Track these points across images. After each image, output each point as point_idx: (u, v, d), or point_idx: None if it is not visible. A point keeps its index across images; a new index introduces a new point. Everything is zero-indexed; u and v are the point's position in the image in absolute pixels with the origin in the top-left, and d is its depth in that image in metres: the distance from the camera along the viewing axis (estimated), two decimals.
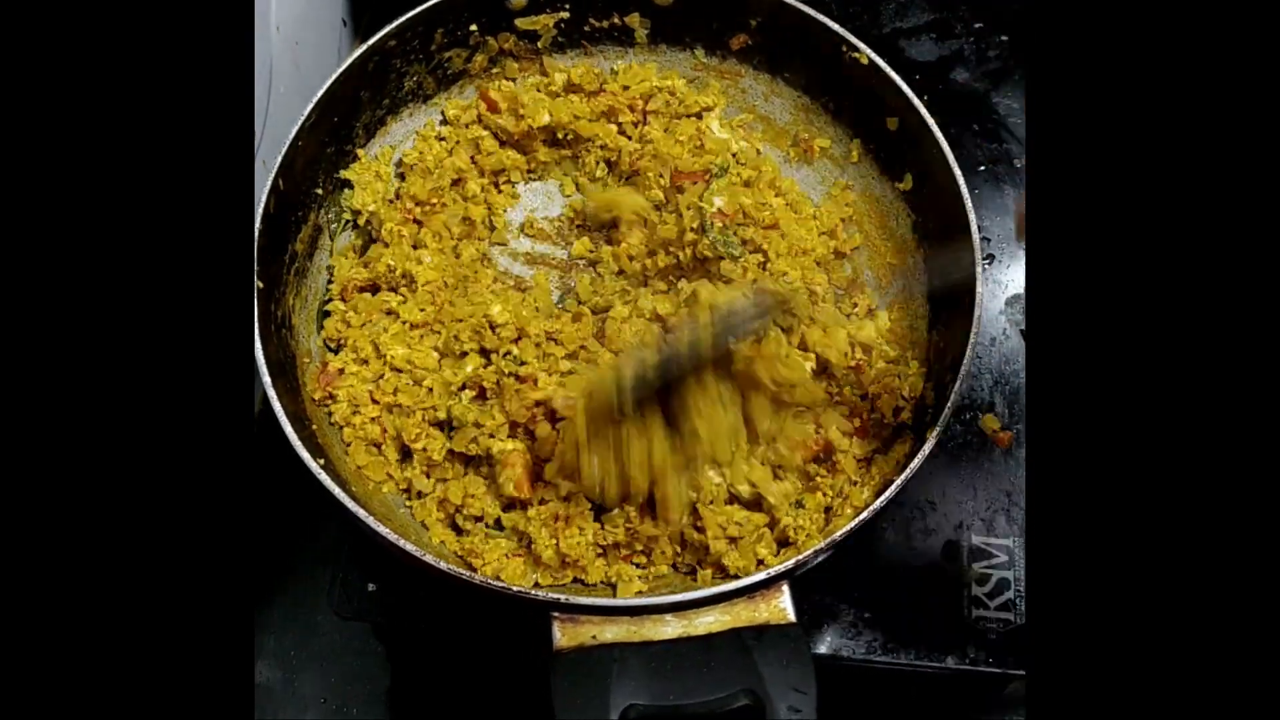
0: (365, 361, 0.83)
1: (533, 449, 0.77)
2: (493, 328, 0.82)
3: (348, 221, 0.91)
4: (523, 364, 0.80)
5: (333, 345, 0.86)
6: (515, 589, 0.66)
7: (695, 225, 0.86)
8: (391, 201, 0.91)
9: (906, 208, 0.90)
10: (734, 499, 0.79)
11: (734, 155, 0.94)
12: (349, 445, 0.81)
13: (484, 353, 0.83)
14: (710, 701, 0.63)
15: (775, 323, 0.77)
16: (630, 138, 0.95)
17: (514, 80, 0.97)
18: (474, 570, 0.75)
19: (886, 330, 0.87)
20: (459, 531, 0.80)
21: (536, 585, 0.76)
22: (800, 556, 0.68)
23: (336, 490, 0.68)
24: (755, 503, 0.79)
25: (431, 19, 0.89)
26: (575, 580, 0.77)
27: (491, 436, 0.78)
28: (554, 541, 0.75)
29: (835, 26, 0.87)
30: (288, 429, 0.70)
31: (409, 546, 0.67)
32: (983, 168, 1.02)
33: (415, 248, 0.89)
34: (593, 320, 0.85)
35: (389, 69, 0.90)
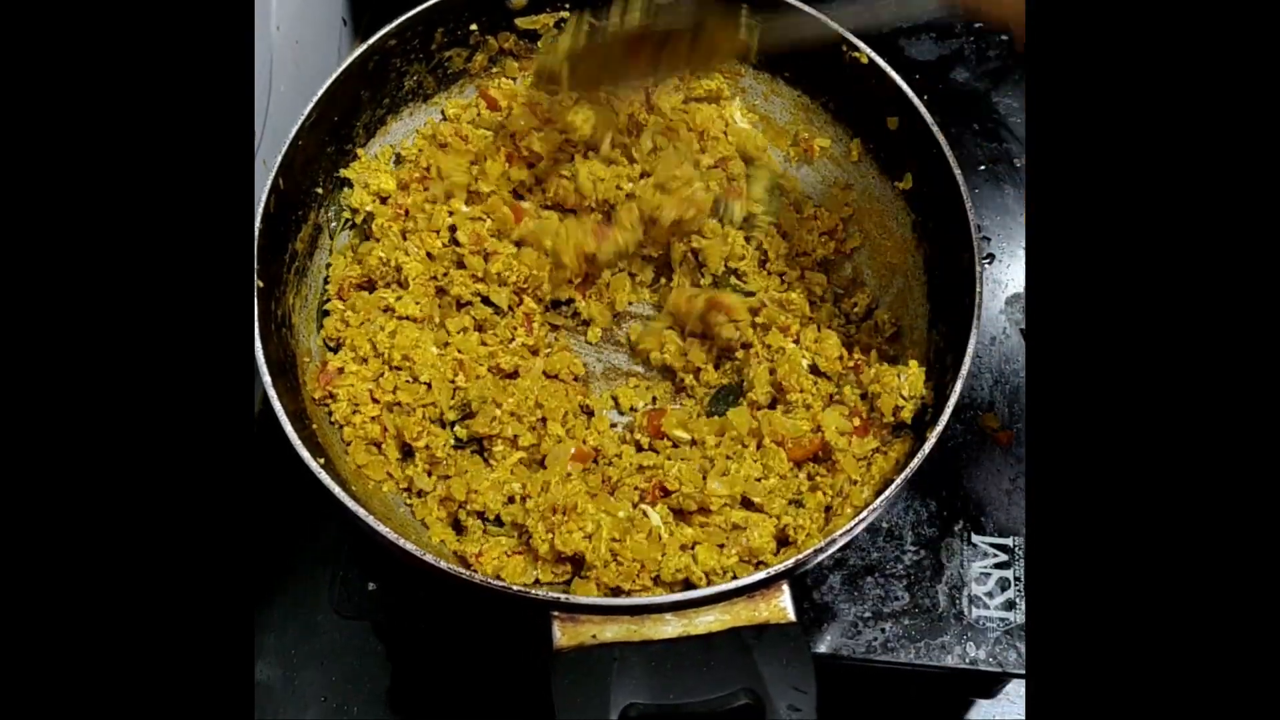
0: (364, 360, 0.84)
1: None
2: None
3: (347, 220, 0.91)
4: None
5: (332, 345, 0.86)
6: (515, 588, 0.66)
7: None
8: (384, 201, 0.91)
9: (906, 207, 0.90)
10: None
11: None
12: (349, 445, 0.81)
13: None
14: (710, 700, 0.63)
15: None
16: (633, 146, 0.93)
17: (514, 79, 0.97)
18: (473, 570, 0.75)
19: (888, 329, 0.87)
20: (460, 530, 0.80)
21: (537, 583, 0.76)
22: (800, 556, 0.68)
23: (336, 490, 0.68)
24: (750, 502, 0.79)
25: (431, 18, 0.89)
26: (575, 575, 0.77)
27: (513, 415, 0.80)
28: (550, 536, 0.75)
29: (834, 24, 0.87)
30: (288, 429, 0.70)
31: (409, 546, 0.67)
32: (983, 167, 1.02)
33: (405, 236, 0.89)
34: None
35: (389, 68, 0.90)
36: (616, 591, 0.74)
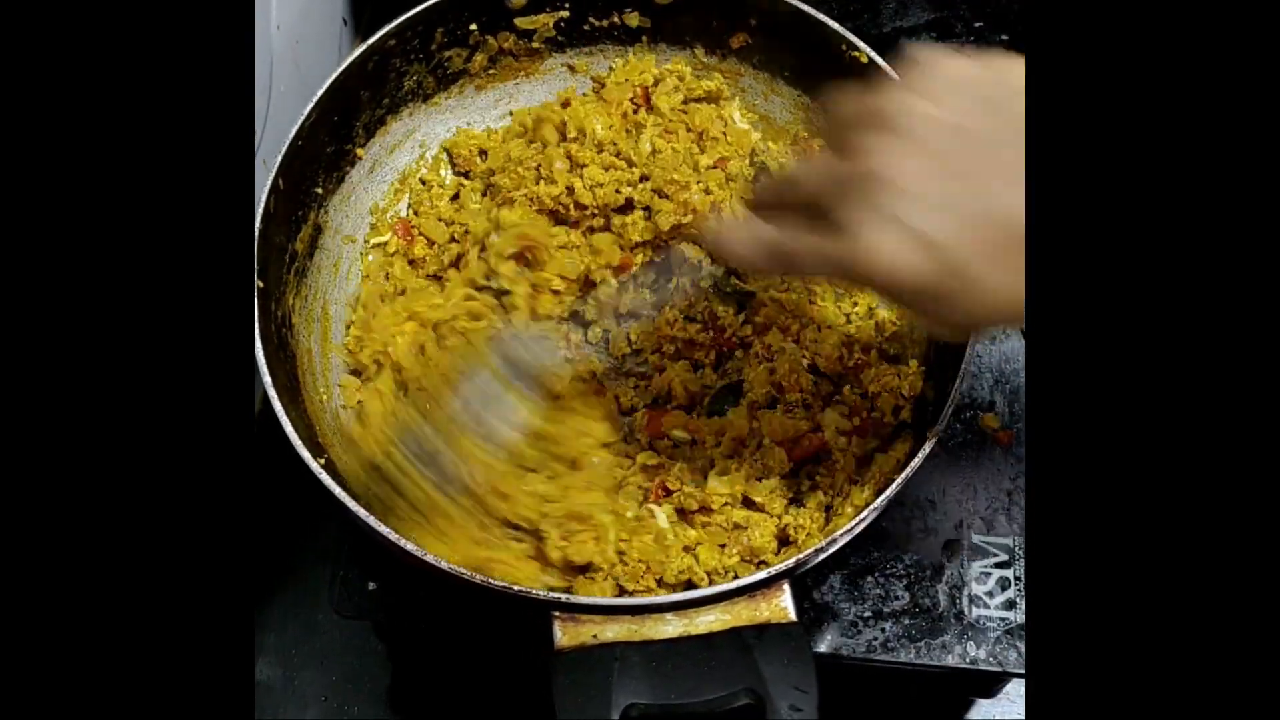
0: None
1: None
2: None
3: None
4: None
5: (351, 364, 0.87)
6: (516, 589, 0.66)
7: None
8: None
9: None
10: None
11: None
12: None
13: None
14: (711, 700, 0.63)
15: None
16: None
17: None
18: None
19: (889, 328, 0.87)
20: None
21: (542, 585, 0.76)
22: (800, 555, 0.68)
23: (337, 490, 0.68)
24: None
25: (431, 18, 0.89)
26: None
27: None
28: (565, 545, 0.75)
29: (835, 25, 0.87)
30: (288, 428, 0.70)
31: (410, 546, 0.67)
32: None
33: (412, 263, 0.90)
34: None
35: (389, 68, 0.90)
36: (620, 591, 0.74)
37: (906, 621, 0.82)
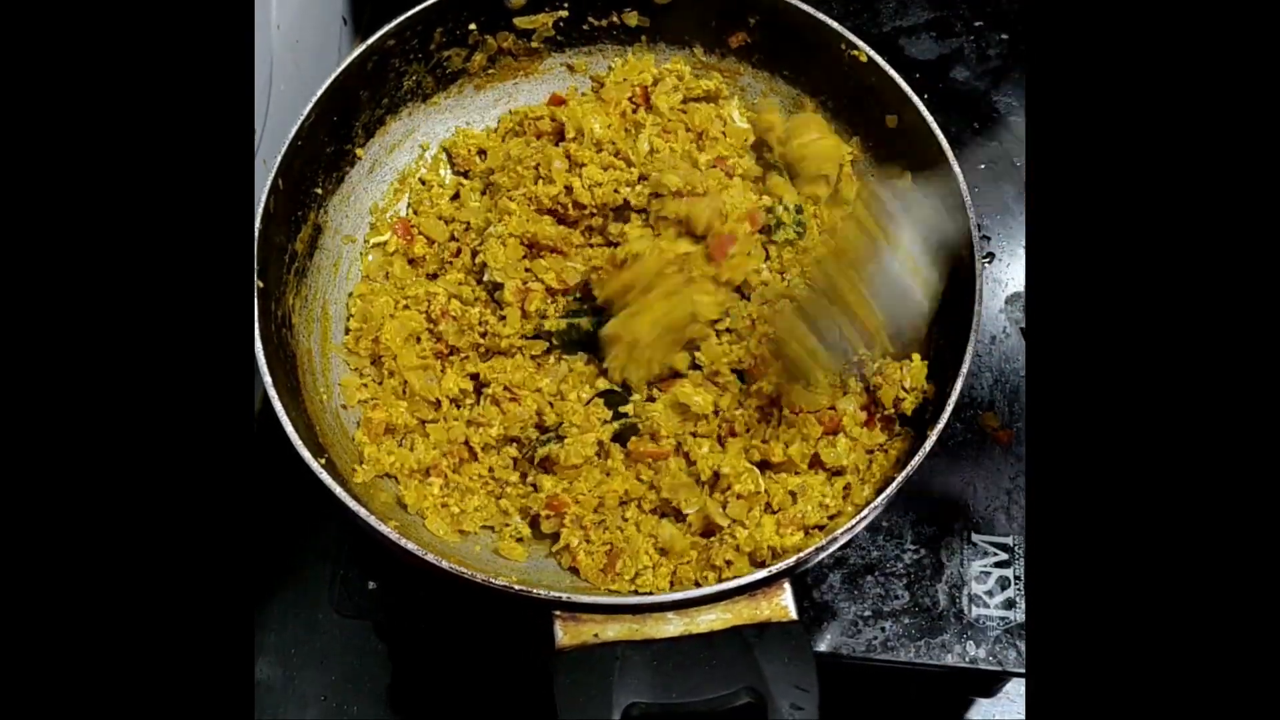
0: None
1: None
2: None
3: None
4: None
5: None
6: (516, 588, 0.66)
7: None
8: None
9: None
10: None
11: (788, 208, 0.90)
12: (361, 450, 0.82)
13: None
14: (712, 699, 0.63)
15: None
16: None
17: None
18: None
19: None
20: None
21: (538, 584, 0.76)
22: (801, 554, 0.68)
23: (337, 489, 0.68)
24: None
25: (430, 18, 0.89)
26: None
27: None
28: (593, 551, 0.77)
29: (835, 24, 0.87)
30: (288, 428, 0.70)
31: (410, 545, 0.67)
32: (982, 166, 1.02)
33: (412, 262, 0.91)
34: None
35: (388, 68, 0.90)
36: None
37: (906, 621, 0.82)
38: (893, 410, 0.81)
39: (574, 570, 0.78)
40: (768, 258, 0.89)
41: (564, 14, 0.95)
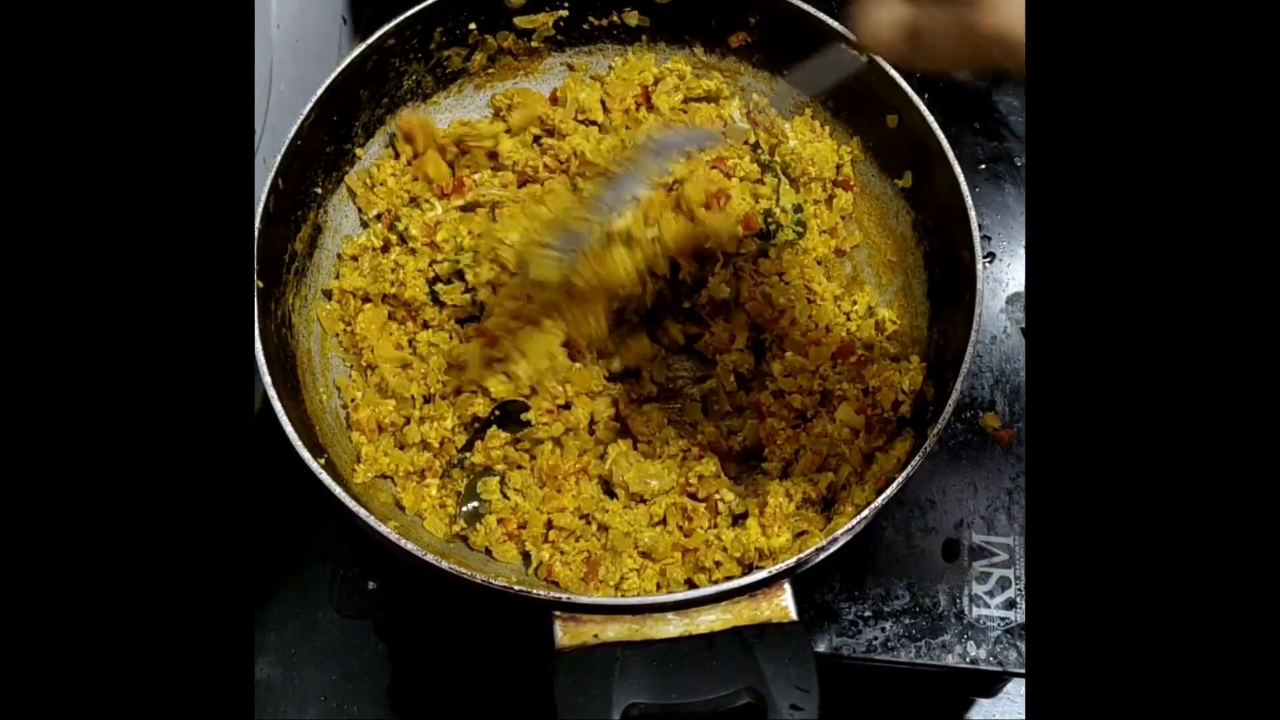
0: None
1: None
2: None
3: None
4: None
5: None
6: (516, 588, 0.66)
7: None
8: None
9: (906, 205, 0.90)
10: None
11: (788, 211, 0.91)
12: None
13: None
14: (712, 700, 0.63)
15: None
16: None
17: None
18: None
19: (889, 327, 0.87)
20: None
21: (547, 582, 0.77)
22: (801, 554, 0.68)
23: (336, 489, 0.68)
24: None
25: (430, 17, 0.89)
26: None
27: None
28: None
29: (835, 24, 0.87)
30: (288, 428, 0.70)
31: (410, 546, 0.67)
32: (983, 165, 1.02)
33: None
34: None
35: (388, 68, 0.89)
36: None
37: (907, 621, 0.82)
38: (891, 413, 0.81)
39: (554, 583, 0.77)
40: (765, 255, 0.89)
41: (564, 13, 0.94)
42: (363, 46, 0.85)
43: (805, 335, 0.87)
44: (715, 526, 0.79)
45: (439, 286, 0.87)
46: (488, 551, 0.79)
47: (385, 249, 0.89)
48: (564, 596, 0.66)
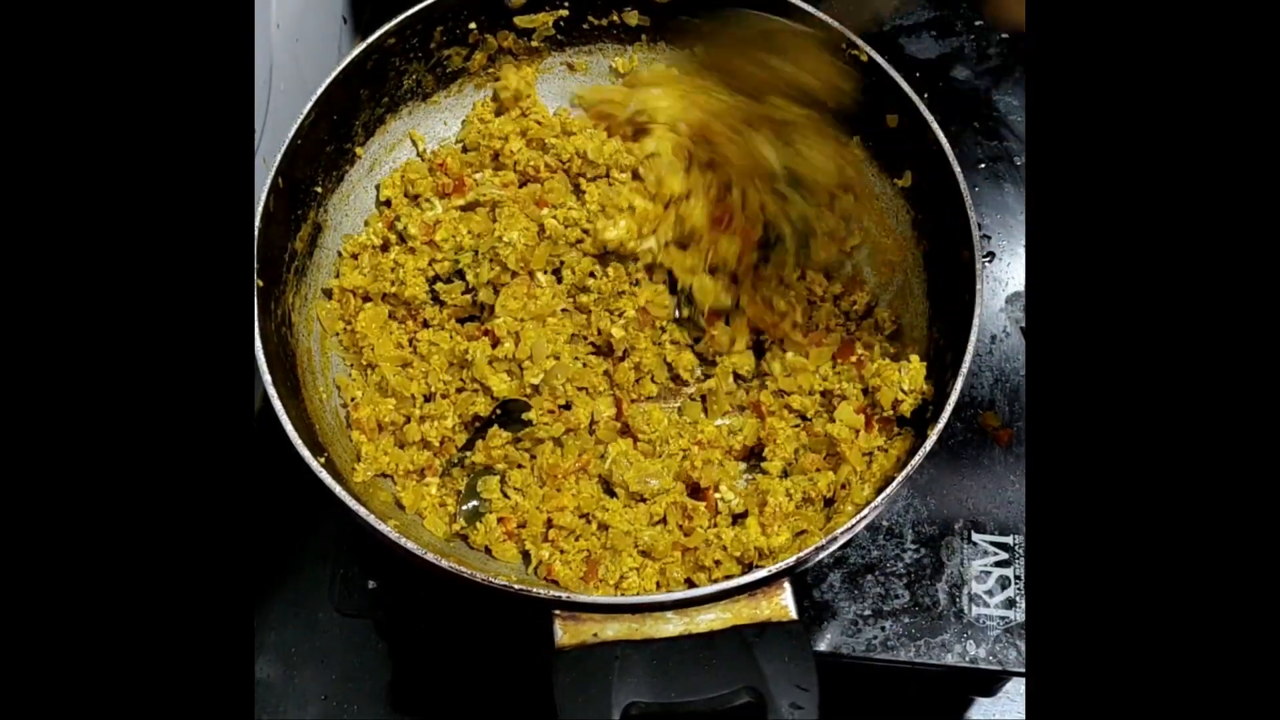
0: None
1: None
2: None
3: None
4: None
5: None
6: (516, 587, 0.66)
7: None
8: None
9: (906, 205, 0.90)
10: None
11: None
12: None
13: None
14: (712, 699, 0.63)
15: None
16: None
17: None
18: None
19: (889, 327, 0.87)
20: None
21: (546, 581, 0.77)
22: (801, 553, 0.68)
23: (337, 488, 0.68)
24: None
25: (431, 17, 0.89)
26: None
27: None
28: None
29: (835, 24, 0.87)
30: (288, 427, 0.70)
31: (410, 545, 0.67)
32: (983, 165, 1.02)
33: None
34: None
35: (388, 67, 0.89)
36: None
37: (906, 620, 0.82)
38: (891, 412, 0.81)
39: (553, 582, 0.77)
40: (766, 260, 0.89)
41: (564, 13, 0.94)
42: (363, 46, 0.85)
43: (805, 336, 0.87)
44: (715, 525, 0.79)
45: (439, 285, 0.87)
46: (487, 550, 0.79)
47: (385, 248, 0.89)
48: (564, 595, 0.66)
